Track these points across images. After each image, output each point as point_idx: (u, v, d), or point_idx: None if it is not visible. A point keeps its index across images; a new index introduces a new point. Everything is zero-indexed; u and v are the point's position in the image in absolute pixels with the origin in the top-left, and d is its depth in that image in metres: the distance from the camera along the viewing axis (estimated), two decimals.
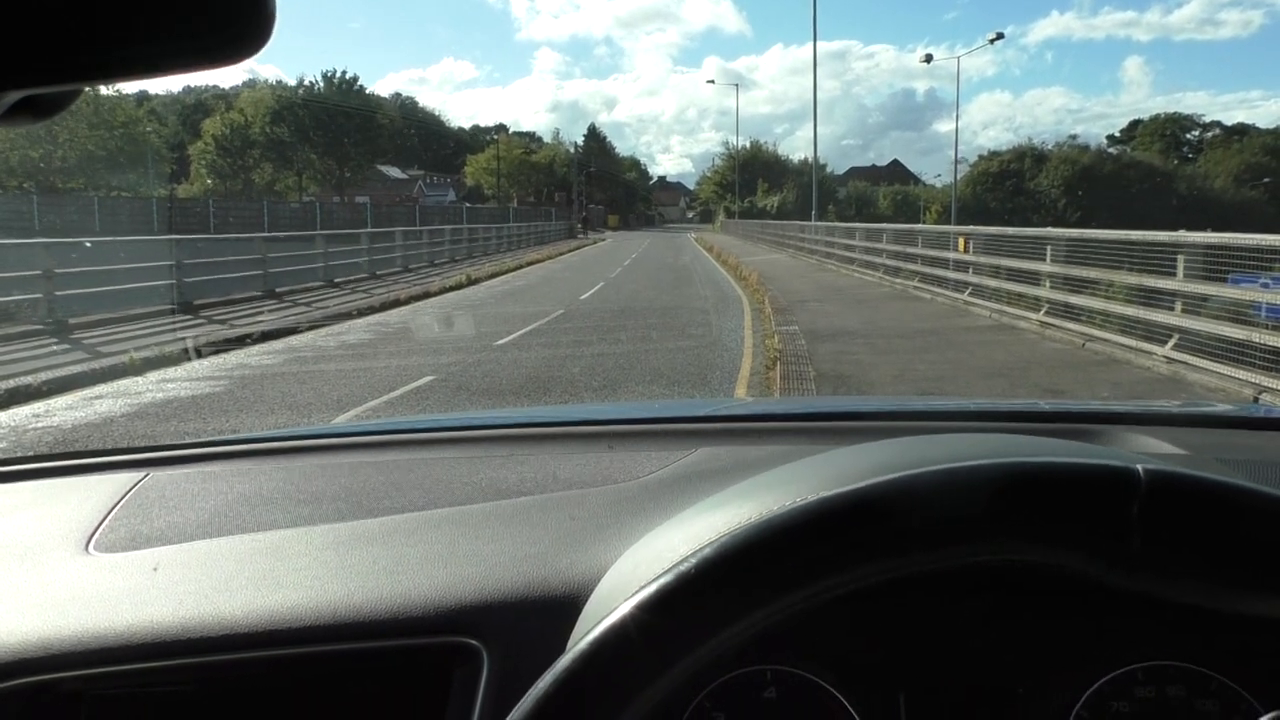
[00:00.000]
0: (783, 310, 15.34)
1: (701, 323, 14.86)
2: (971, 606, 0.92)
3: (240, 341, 12.89)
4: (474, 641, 0.91)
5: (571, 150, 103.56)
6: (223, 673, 0.95)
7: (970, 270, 16.43)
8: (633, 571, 0.88)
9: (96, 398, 9.29)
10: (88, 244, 18.68)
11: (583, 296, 19.53)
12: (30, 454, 1.43)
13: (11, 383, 9.56)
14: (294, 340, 13.49)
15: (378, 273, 24.53)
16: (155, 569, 1.07)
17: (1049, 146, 75.28)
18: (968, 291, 16.08)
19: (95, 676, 0.94)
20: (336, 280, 21.83)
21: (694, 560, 0.63)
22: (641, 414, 1.72)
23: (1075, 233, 13.70)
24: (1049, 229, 14.93)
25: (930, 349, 11.49)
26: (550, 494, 1.23)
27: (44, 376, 9.87)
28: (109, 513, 1.24)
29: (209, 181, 63.85)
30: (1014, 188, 71.07)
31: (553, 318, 15.48)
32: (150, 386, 9.88)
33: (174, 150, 61.88)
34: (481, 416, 2.18)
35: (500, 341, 12.54)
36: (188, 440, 1.66)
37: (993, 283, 15.24)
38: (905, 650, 0.92)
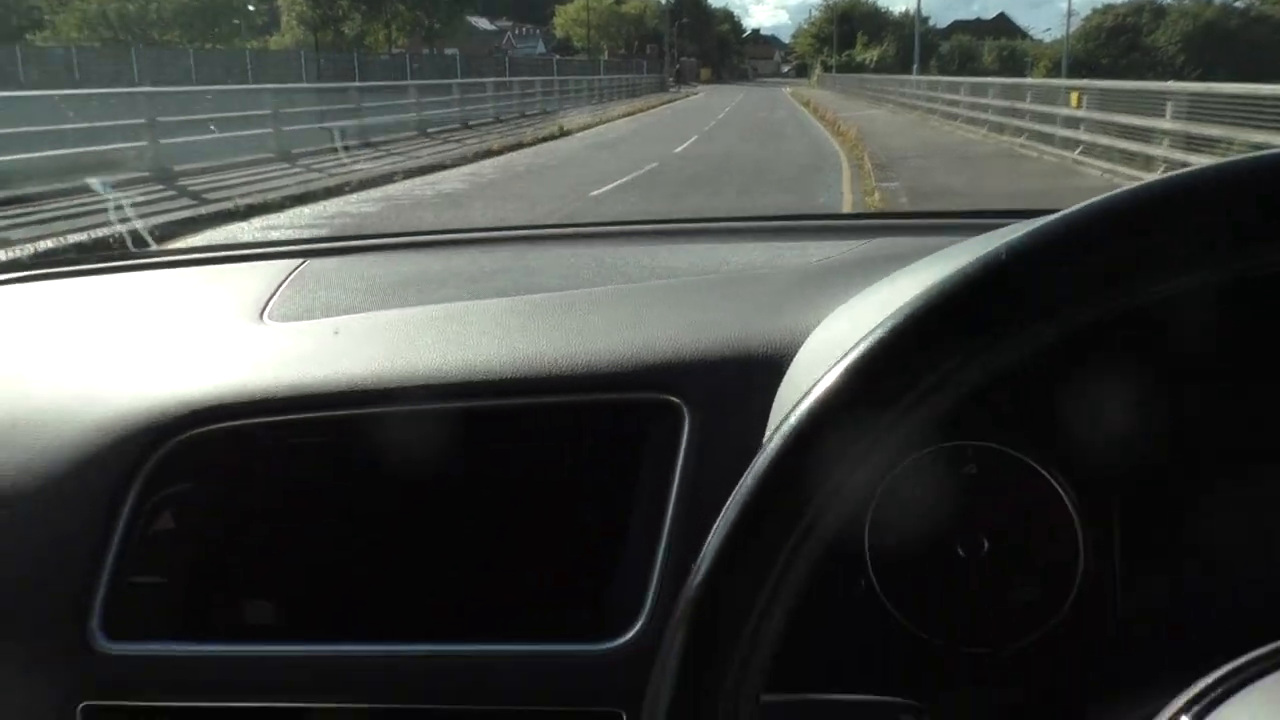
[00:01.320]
0: (882, 167, 14.91)
1: (798, 179, 14.54)
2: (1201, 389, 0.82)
3: (339, 190, 13.02)
4: (674, 399, 0.88)
5: (663, 1, 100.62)
6: (413, 425, 0.94)
7: (1081, 127, 15.69)
8: (852, 325, 0.83)
9: (205, 243, 9.52)
10: (187, 92, 18.89)
11: (676, 150, 19.21)
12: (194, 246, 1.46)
13: (120, 228, 9.81)
14: (390, 189, 13.57)
15: (470, 123, 24.38)
16: (336, 333, 1.06)
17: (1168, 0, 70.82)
18: (1078, 150, 15.41)
19: (291, 424, 0.95)
20: (430, 130, 21.79)
21: (967, 270, 0.50)
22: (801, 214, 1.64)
23: (1199, 87, 12.97)
24: (1170, 83, 14.14)
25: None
26: (729, 273, 1.18)
27: (152, 222, 10.11)
28: (277, 289, 1.24)
29: (299, 33, 63.71)
30: (1128, 44, 67.20)
31: (647, 170, 15.28)
32: (256, 233, 10.08)
33: (265, 1, 61.74)
34: (634, 219, 2.08)
35: (595, 193, 12.46)
36: (338, 235, 1.66)
37: (1105, 140, 14.56)
38: (1122, 430, 0.82)
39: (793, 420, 0.51)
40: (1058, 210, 0.51)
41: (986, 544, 0.84)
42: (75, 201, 10.35)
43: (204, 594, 0.95)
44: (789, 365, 0.88)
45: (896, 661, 0.83)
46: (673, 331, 0.95)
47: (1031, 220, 0.57)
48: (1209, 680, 0.49)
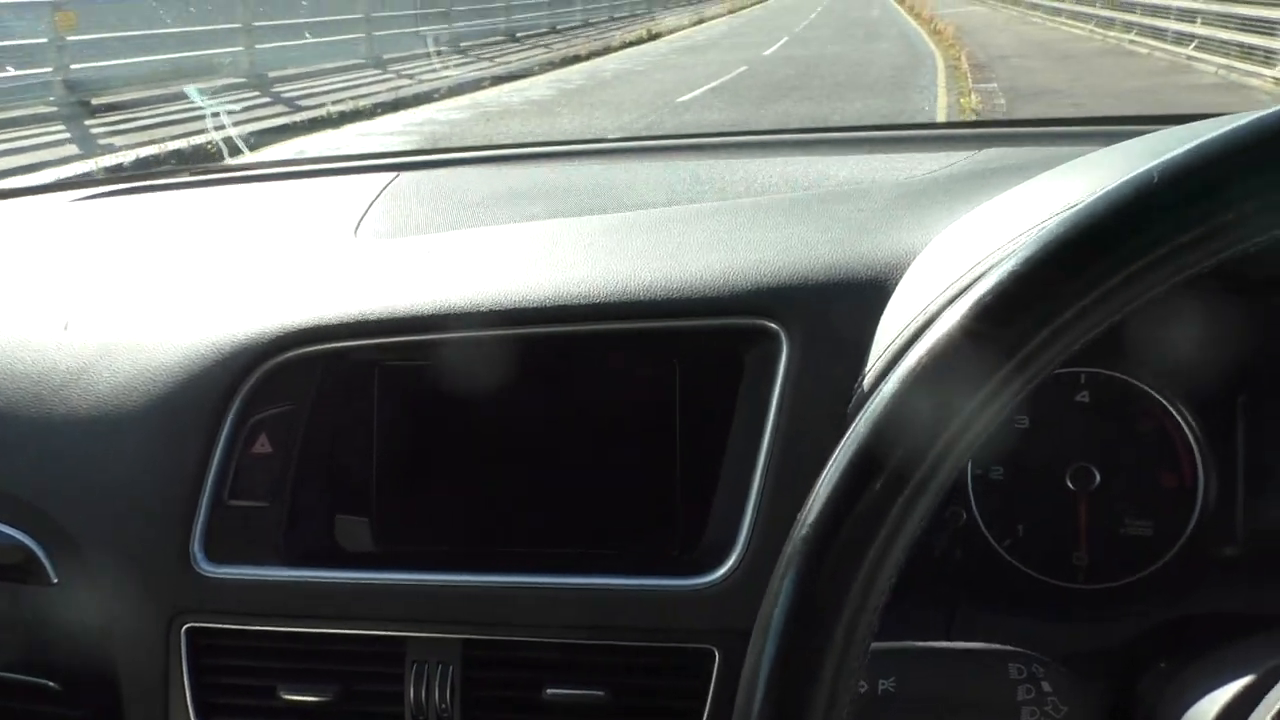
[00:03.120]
0: (980, 66, 14.38)
1: (893, 80, 14.11)
2: None
3: (428, 97, 13.06)
4: (771, 324, 0.85)
5: None
6: (507, 349, 0.94)
7: (1198, 20, 14.87)
8: (966, 246, 0.78)
9: (300, 152, 9.67)
10: None
11: (766, 53, 18.74)
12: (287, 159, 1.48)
13: (216, 136, 10.02)
14: (479, 96, 13.57)
15: (558, 27, 24.10)
16: (429, 253, 1.05)
17: None
18: (1192, 45, 14.64)
19: (385, 347, 0.96)
20: (518, 35, 21.61)
21: (1119, 190, 0.43)
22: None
23: None
24: None
25: (1145, 110, 10.65)
26: (828, 189, 1.13)
27: (248, 129, 10.29)
28: (370, 205, 1.23)
29: None
30: None
31: (736, 74, 14.97)
32: (349, 140, 10.21)
33: None
34: (728, 130, 1.98)
35: (682, 98, 12.29)
36: (430, 148, 1.69)
37: (1223, 35, 13.80)
38: (1243, 352, 0.78)
39: (912, 361, 0.45)
40: (1172, 115, 0.45)
41: (1098, 476, 0.81)
42: (175, 107, 10.60)
43: (302, 519, 0.96)
44: (894, 289, 0.84)
45: (1000, 598, 0.80)
46: (770, 253, 0.91)
47: (1155, 126, 0.52)
48: None
